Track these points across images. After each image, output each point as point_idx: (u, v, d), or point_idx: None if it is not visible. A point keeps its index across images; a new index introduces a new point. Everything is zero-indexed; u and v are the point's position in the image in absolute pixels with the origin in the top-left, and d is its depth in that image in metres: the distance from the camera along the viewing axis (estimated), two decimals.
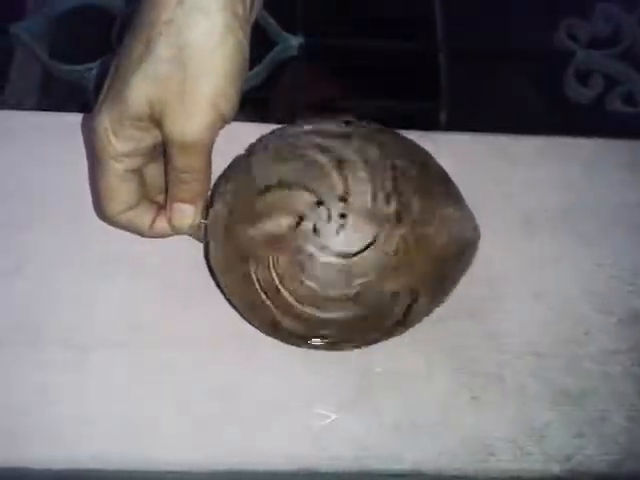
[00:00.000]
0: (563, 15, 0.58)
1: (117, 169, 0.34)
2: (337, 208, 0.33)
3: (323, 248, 0.33)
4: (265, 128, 0.38)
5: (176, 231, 0.37)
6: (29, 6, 0.58)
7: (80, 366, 0.37)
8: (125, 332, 0.38)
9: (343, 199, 0.33)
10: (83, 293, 0.39)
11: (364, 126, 0.36)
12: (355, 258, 0.33)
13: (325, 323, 0.34)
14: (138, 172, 0.36)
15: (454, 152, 0.43)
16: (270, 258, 0.33)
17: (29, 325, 0.38)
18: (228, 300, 0.38)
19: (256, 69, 0.53)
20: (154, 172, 0.37)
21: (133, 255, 0.40)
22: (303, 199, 0.33)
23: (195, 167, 0.34)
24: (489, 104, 0.57)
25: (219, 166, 0.37)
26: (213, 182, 0.37)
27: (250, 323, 0.37)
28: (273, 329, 0.36)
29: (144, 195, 0.37)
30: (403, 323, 0.35)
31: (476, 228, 0.37)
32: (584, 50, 0.57)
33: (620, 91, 0.55)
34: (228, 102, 0.33)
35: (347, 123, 0.36)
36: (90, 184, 0.41)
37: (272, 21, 0.55)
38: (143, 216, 0.37)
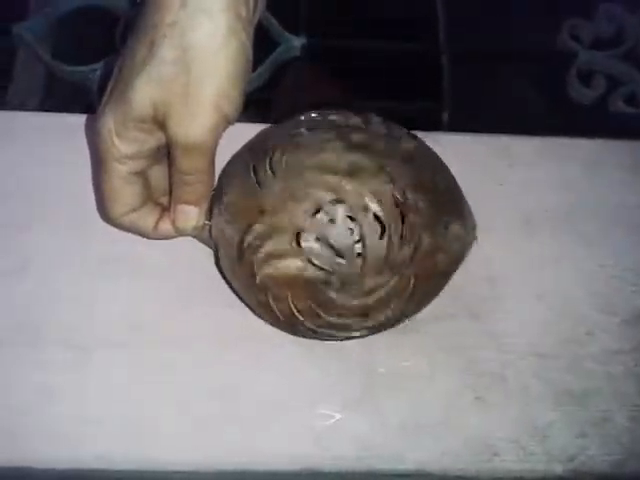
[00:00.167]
0: (566, 16, 0.58)
1: (121, 171, 0.34)
2: (352, 258, 0.33)
3: (339, 290, 0.34)
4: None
5: (180, 233, 0.37)
6: (32, 7, 0.58)
7: (81, 366, 0.37)
8: (126, 332, 0.38)
9: (358, 251, 0.33)
10: (84, 293, 0.39)
11: (370, 138, 0.35)
12: (370, 297, 0.34)
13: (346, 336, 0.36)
14: (142, 174, 0.36)
15: (456, 152, 0.43)
16: (289, 296, 0.34)
17: (30, 325, 0.38)
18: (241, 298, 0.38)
19: (258, 70, 0.53)
20: (158, 174, 0.37)
21: (133, 255, 0.40)
22: (321, 254, 0.33)
23: (199, 169, 0.34)
24: (491, 105, 0.57)
25: (221, 167, 0.37)
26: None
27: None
28: (291, 331, 0.37)
29: (148, 197, 0.37)
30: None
31: (474, 228, 0.37)
32: (587, 51, 0.57)
33: (622, 92, 0.55)
34: (231, 104, 0.33)
35: (363, 118, 0.36)
36: (94, 186, 0.41)
37: (275, 22, 0.55)
38: (147, 218, 0.37)
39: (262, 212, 0.34)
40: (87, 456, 0.36)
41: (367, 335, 0.36)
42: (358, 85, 0.57)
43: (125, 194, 0.35)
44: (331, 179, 0.33)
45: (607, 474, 0.37)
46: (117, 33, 0.55)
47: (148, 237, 0.38)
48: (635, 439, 0.37)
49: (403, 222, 0.33)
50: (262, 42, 0.55)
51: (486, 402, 0.38)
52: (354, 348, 0.38)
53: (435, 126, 0.53)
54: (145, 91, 0.32)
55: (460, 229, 0.36)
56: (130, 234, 0.38)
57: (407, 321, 0.36)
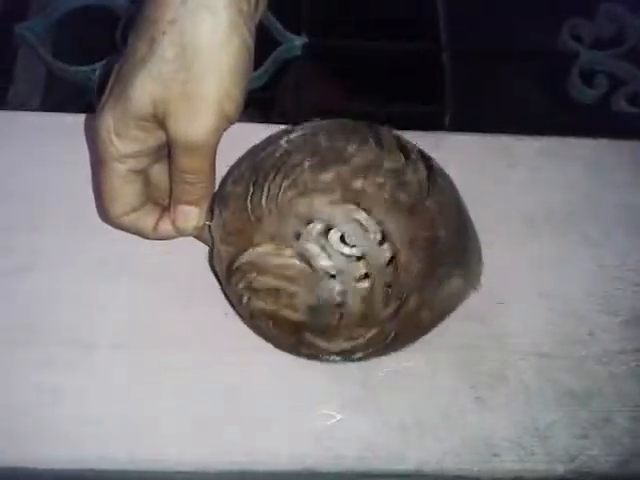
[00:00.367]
0: (567, 15, 0.58)
1: (120, 170, 0.34)
2: (331, 312, 0.33)
3: (318, 335, 0.34)
4: (268, 128, 0.38)
5: (180, 233, 0.37)
6: (33, 6, 0.58)
7: (81, 366, 0.37)
8: (126, 332, 0.38)
9: (339, 305, 0.33)
10: (84, 293, 0.39)
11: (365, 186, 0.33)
12: (348, 343, 0.34)
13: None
14: (142, 173, 0.35)
15: (458, 153, 0.43)
16: (271, 325, 0.35)
17: (30, 325, 0.38)
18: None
19: (260, 69, 0.53)
20: (158, 174, 0.37)
21: (134, 256, 0.40)
22: (303, 300, 0.33)
23: (199, 169, 0.34)
24: (493, 105, 0.57)
25: (222, 167, 0.37)
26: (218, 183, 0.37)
27: None
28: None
29: (148, 197, 0.37)
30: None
31: (479, 275, 0.37)
32: (588, 50, 0.56)
33: (625, 91, 0.55)
34: (233, 102, 0.32)
35: (374, 138, 0.34)
36: (93, 186, 0.41)
37: (276, 21, 0.55)
38: (147, 218, 0.37)
39: (252, 244, 0.33)
40: (87, 456, 0.36)
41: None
42: (359, 85, 0.56)
43: (125, 194, 0.35)
44: (320, 234, 0.32)
45: (608, 474, 0.37)
46: (118, 33, 0.55)
47: (148, 237, 0.37)
48: (637, 439, 0.37)
49: (391, 282, 0.33)
50: (263, 42, 0.55)
51: (487, 402, 0.38)
52: None
53: (436, 126, 0.53)
54: (145, 89, 0.32)
55: (459, 281, 0.35)
56: (130, 234, 0.38)
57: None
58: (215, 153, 0.34)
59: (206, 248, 0.38)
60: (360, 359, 0.35)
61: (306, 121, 0.37)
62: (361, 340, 0.34)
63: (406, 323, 0.34)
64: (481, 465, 0.36)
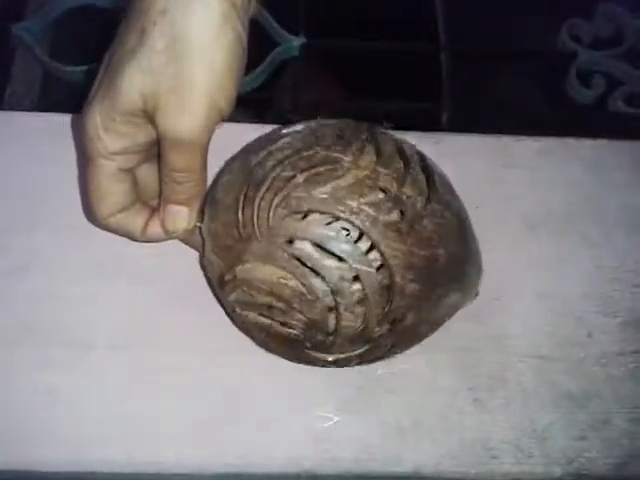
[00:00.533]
0: (565, 16, 0.58)
1: (108, 168, 0.33)
2: (324, 330, 0.33)
3: (311, 348, 0.34)
4: (264, 129, 0.38)
5: (170, 235, 0.36)
6: (30, 7, 0.58)
7: (79, 367, 0.37)
8: (124, 333, 0.38)
9: (334, 325, 0.32)
10: (83, 294, 0.39)
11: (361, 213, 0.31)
12: (342, 355, 0.34)
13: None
14: (131, 172, 0.34)
15: (456, 153, 0.43)
16: (264, 336, 0.34)
17: (29, 326, 0.38)
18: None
19: (257, 70, 0.53)
20: (148, 173, 0.35)
21: (132, 257, 0.40)
22: (298, 318, 0.32)
23: (189, 166, 0.32)
24: (491, 105, 0.57)
25: (217, 168, 0.36)
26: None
27: None
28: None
29: (137, 197, 0.35)
30: None
31: (477, 292, 0.36)
32: (586, 50, 0.56)
33: (622, 92, 0.55)
34: (225, 96, 0.31)
35: (375, 148, 0.33)
36: (79, 184, 0.41)
37: (273, 22, 0.55)
38: (135, 219, 0.35)
39: (241, 260, 0.32)
40: (85, 458, 0.36)
41: None
42: (357, 85, 0.56)
43: (112, 193, 0.34)
44: (314, 254, 0.31)
45: (607, 477, 0.37)
46: (115, 33, 0.55)
47: (136, 239, 0.36)
48: (635, 441, 0.37)
49: (387, 304, 0.32)
50: (261, 42, 0.56)
51: (485, 404, 0.38)
52: None
53: (434, 126, 0.53)
54: (134, 82, 0.30)
55: (457, 297, 0.35)
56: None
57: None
58: (206, 151, 0.33)
59: None
60: (357, 364, 0.35)
61: (304, 119, 0.35)
62: (357, 352, 0.34)
63: (403, 337, 0.34)
64: (479, 467, 0.36)
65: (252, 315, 0.34)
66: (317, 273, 0.31)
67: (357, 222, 0.31)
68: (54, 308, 0.39)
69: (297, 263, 0.31)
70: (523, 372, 0.38)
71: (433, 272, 0.33)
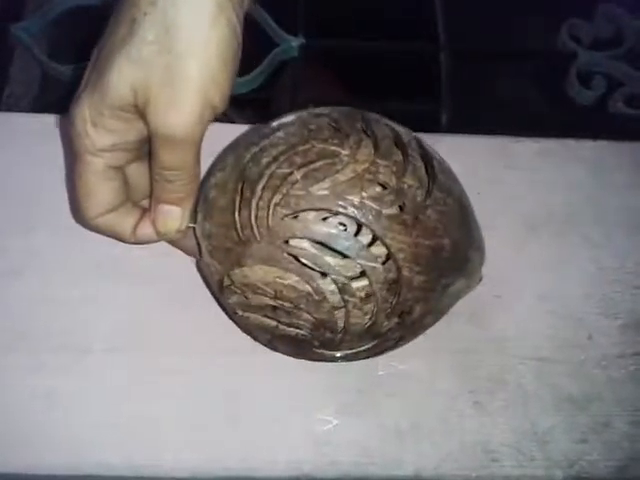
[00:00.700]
0: (565, 16, 0.58)
1: (97, 165, 0.31)
2: (332, 328, 0.32)
3: (318, 347, 0.34)
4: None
5: (161, 236, 0.34)
6: (28, 7, 0.58)
7: (76, 370, 0.37)
8: (122, 336, 0.38)
9: (341, 323, 0.32)
10: (82, 296, 0.39)
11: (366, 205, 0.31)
12: (350, 351, 0.34)
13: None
14: (120, 170, 0.33)
15: (455, 154, 0.43)
16: (268, 338, 0.34)
17: (24, 329, 0.38)
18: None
19: (256, 70, 0.53)
20: (139, 172, 0.34)
21: (129, 258, 0.40)
22: (304, 319, 0.32)
23: (181, 164, 0.31)
24: (490, 105, 0.56)
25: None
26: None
27: None
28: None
29: (127, 197, 0.34)
30: None
31: (481, 278, 0.36)
32: (586, 51, 0.56)
33: (622, 92, 0.54)
34: (219, 90, 0.29)
35: (372, 141, 0.32)
36: (67, 183, 0.40)
37: (272, 22, 0.55)
38: (125, 220, 0.34)
39: (242, 264, 0.31)
40: (83, 462, 0.35)
41: None
42: (357, 85, 0.56)
43: (101, 192, 0.32)
44: (317, 253, 0.31)
45: None
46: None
47: (125, 241, 0.35)
48: (636, 444, 0.37)
49: (395, 298, 0.31)
50: (260, 43, 0.55)
51: (485, 407, 0.37)
52: None
53: (434, 127, 0.53)
54: (124, 74, 0.29)
55: (462, 284, 0.34)
56: None
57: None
58: (199, 147, 0.31)
59: None
60: (364, 358, 0.35)
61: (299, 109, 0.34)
62: (365, 347, 0.34)
63: (411, 329, 0.34)
64: (479, 470, 0.36)
65: (255, 317, 0.33)
66: (322, 273, 0.31)
67: (360, 217, 0.30)
68: (51, 310, 0.38)
69: (300, 263, 0.31)
70: (523, 374, 0.38)
71: (439, 262, 0.32)
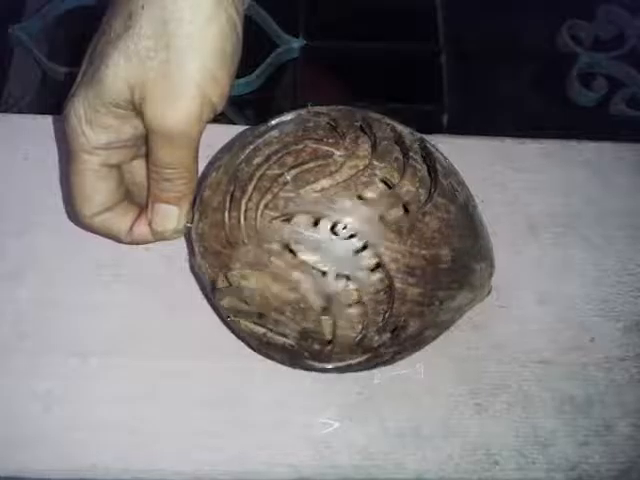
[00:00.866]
0: (566, 17, 0.58)
1: (92, 164, 0.31)
2: (324, 342, 0.31)
3: (308, 357, 0.33)
4: None
5: (158, 237, 0.33)
6: (28, 7, 0.57)
7: (78, 373, 0.37)
8: (122, 339, 0.38)
9: (329, 334, 0.31)
10: (82, 299, 0.39)
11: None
12: (341, 363, 0.33)
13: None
14: (116, 169, 0.32)
15: (456, 156, 0.43)
16: (256, 345, 0.33)
17: (25, 332, 0.38)
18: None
19: (257, 71, 0.53)
20: (135, 171, 0.34)
21: (129, 260, 0.39)
22: (292, 327, 0.31)
23: (179, 162, 0.30)
24: (492, 107, 0.56)
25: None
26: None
27: None
28: None
29: (123, 196, 0.33)
30: None
31: (490, 290, 0.35)
32: (587, 52, 0.56)
33: (624, 93, 0.54)
34: (218, 86, 0.29)
35: (371, 142, 0.30)
36: (61, 182, 0.40)
37: (273, 23, 0.55)
38: (121, 219, 0.33)
39: (230, 267, 0.31)
40: (82, 466, 0.35)
41: None
42: (357, 87, 0.56)
43: (96, 191, 0.32)
44: (305, 259, 0.29)
45: None
46: None
47: (121, 241, 0.34)
48: (639, 447, 0.37)
49: (386, 311, 0.30)
50: (261, 44, 0.55)
51: (487, 410, 0.37)
52: None
53: (435, 128, 0.53)
54: (120, 70, 0.28)
55: (466, 298, 0.33)
56: None
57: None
58: (198, 145, 0.30)
59: None
60: (358, 371, 0.34)
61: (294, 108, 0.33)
62: (357, 360, 0.32)
63: (407, 344, 0.32)
64: (481, 474, 0.36)
65: (245, 322, 0.32)
66: (309, 279, 0.30)
67: (351, 223, 0.29)
68: (50, 313, 0.38)
69: (287, 269, 0.30)
70: (525, 377, 0.38)
71: (436, 274, 0.30)
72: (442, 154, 0.34)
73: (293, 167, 0.30)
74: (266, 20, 0.55)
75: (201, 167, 0.33)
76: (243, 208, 0.30)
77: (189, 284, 0.39)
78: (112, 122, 0.30)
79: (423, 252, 0.30)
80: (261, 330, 0.32)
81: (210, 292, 0.33)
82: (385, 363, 0.34)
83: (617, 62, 0.56)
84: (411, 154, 0.31)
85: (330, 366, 0.33)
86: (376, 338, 0.31)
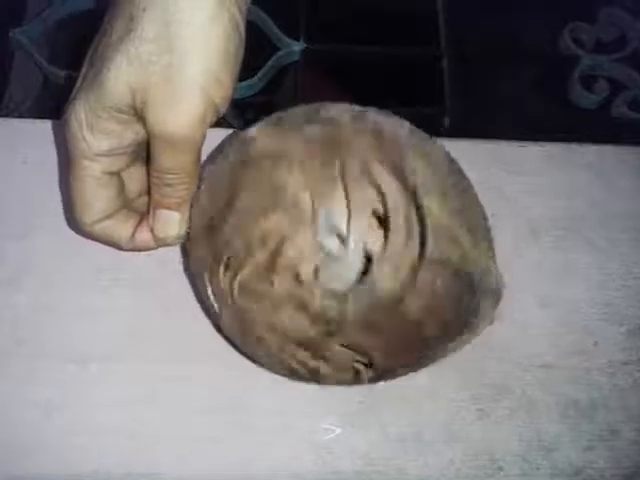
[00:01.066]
0: (568, 19, 0.58)
1: (93, 171, 0.30)
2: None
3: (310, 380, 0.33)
4: None
5: (160, 243, 0.33)
6: (29, 11, 0.57)
7: (76, 379, 0.37)
8: (122, 344, 0.38)
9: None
10: (81, 305, 0.39)
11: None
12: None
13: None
14: (117, 175, 0.32)
15: (458, 159, 0.43)
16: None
17: (25, 337, 0.38)
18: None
19: (258, 75, 0.53)
20: (136, 177, 0.33)
21: (130, 265, 0.39)
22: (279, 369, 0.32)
23: (181, 167, 0.30)
24: (493, 109, 0.56)
25: None
26: None
27: None
28: None
29: (124, 203, 0.33)
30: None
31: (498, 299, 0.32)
32: (589, 55, 0.56)
33: (626, 96, 0.54)
34: (221, 89, 0.28)
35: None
36: (61, 190, 0.40)
37: (274, 27, 0.55)
38: (122, 226, 0.33)
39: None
40: (82, 472, 0.35)
41: None
42: (358, 90, 0.56)
43: (97, 198, 0.31)
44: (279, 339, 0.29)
45: None
46: None
47: (123, 248, 0.34)
48: None
49: (374, 379, 0.31)
50: (262, 48, 0.55)
51: (490, 415, 0.37)
52: None
53: (437, 131, 0.53)
54: (122, 74, 0.28)
55: (463, 340, 0.32)
56: None
57: None
58: (200, 150, 0.30)
59: None
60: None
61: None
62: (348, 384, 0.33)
63: (397, 378, 0.33)
64: (484, 479, 0.36)
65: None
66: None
67: (331, 326, 0.26)
68: (49, 318, 0.38)
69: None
70: (528, 382, 0.38)
71: (423, 344, 0.29)
72: (442, 192, 0.29)
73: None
74: (267, 23, 0.55)
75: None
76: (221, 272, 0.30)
77: (188, 288, 0.39)
78: (113, 127, 0.29)
79: (406, 336, 0.28)
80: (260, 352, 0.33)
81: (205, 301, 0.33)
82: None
83: (619, 64, 0.56)
84: (393, 225, 0.27)
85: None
86: (366, 382, 0.32)
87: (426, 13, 0.59)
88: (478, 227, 0.30)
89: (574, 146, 0.46)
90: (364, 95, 0.56)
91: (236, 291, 0.29)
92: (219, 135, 0.39)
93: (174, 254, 0.38)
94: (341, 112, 0.30)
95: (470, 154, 0.44)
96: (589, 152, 0.46)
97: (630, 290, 0.41)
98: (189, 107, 0.28)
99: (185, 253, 0.34)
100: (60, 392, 0.36)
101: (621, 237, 0.43)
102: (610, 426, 0.37)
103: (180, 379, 0.37)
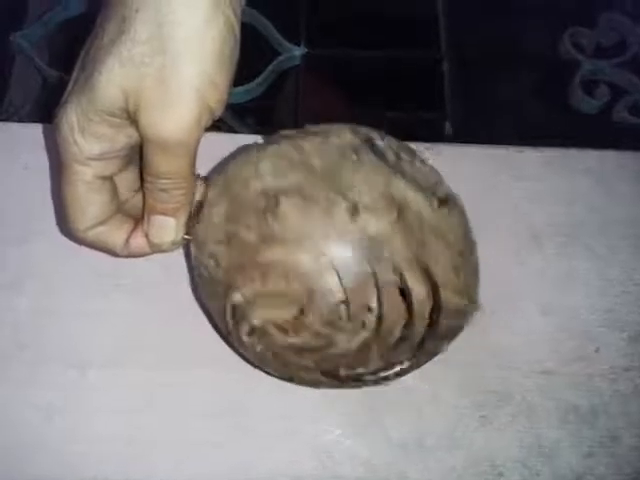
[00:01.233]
0: (568, 24, 0.58)
1: (85, 175, 0.29)
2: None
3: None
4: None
5: (155, 249, 0.32)
6: (29, 15, 0.57)
7: (78, 384, 0.37)
8: (122, 349, 0.38)
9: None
10: (81, 309, 0.39)
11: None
12: None
13: None
14: (110, 180, 0.31)
15: (458, 164, 0.43)
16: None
17: (26, 341, 0.38)
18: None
19: (258, 79, 0.53)
20: (130, 182, 0.32)
21: (130, 271, 0.39)
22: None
23: (176, 171, 0.29)
24: (493, 114, 0.56)
25: None
26: None
27: None
28: None
29: (117, 208, 0.32)
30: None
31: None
32: (590, 60, 0.56)
33: (626, 101, 0.54)
34: (216, 92, 0.28)
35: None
36: (52, 195, 0.40)
37: (275, 31, 0.55)
38: (116, 232, 0.32)
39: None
40: (84, 477, 0.35)
41: None
42: (359, 95, 0.56)
43: (90, 203, 0.30)
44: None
45: None
46: None
47: (117, 255, 0.33)
48: None
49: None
50: (262, 51, 0.55)
51: (491, 421, 0.37)
52: None
53: (437, 136, 0.53)
54: (114, 76, 0.27)
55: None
56: None
57: None
58: (195, 153, 0.29)
59: None
60: None
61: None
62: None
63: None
64: None
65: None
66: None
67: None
68: (49, 323, 0.38)
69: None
70: (529, 388, 0.38)
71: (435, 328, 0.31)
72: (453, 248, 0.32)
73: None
74: (267, 28, 0.55)
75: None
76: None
77: (189, 293, 0.39)
78: (105, 131, 0.29)
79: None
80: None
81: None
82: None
83: (619, 69, 0.56)
84: (383, 309, 0.30)
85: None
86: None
87: (426, 17, 0.59)
88: (474, 276, 0.33)
89: (574, 151, 0.46)
90: (364, 100, 0.56)
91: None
92: (218, 140, 0.39)
93: (175, 259, 0.38)
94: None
95: (470, 159, 0.45)
96: (589, 157, 0.45)
97: (630, 296, 0.41)
98: (184, 110, 0.27)
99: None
100: (61, 396, 0.36)
101: (621, 243, 0.42)
102: (611, 432, 0.37)
103: (180, 384, 0.37)
